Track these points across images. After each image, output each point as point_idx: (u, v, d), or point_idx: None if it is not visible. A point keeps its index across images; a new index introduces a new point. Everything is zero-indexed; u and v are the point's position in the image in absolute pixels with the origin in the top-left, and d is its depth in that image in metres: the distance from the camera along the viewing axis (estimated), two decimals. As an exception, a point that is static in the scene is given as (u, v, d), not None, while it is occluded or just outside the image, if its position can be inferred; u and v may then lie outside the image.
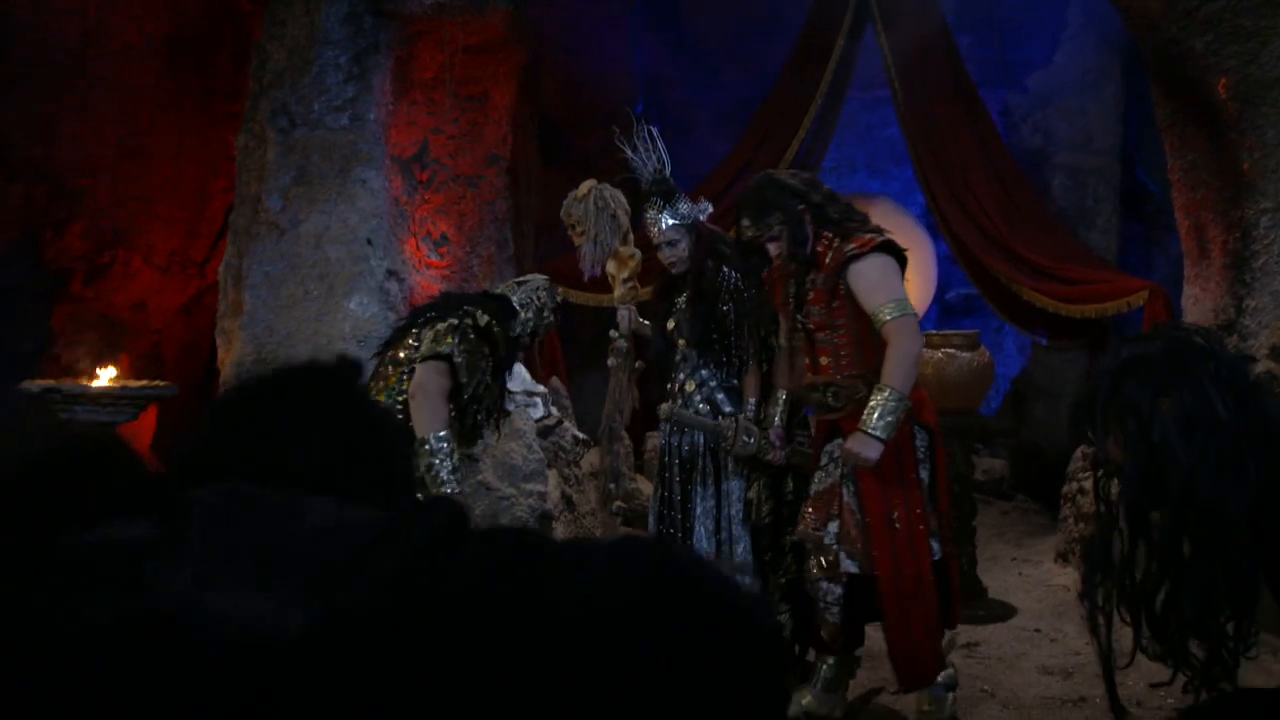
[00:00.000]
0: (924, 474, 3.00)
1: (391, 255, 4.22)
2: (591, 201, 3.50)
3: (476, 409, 2.97)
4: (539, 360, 5.44)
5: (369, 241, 4.03)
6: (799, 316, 3.14)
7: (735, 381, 3.50)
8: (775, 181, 3.16)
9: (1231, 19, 3.82)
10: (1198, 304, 4.41)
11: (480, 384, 2.92)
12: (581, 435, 4.74)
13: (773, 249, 3.14)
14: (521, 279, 3.36)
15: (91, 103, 6.53)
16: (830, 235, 3.06)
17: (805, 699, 3.10)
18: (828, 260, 3.03)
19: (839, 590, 2.97)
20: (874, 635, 3.17)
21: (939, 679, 2.98)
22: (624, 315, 3.65)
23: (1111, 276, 5.35)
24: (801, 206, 3.06)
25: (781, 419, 3.31)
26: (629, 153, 3.46)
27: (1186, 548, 1.50)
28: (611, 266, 3.61)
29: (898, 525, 2.91)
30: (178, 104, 6.86)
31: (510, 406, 4.30)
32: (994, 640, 3.72)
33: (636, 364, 3.68)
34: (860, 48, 6.52)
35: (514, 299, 3.15)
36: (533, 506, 4.08)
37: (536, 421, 4.42)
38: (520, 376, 4.50)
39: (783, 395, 3.34)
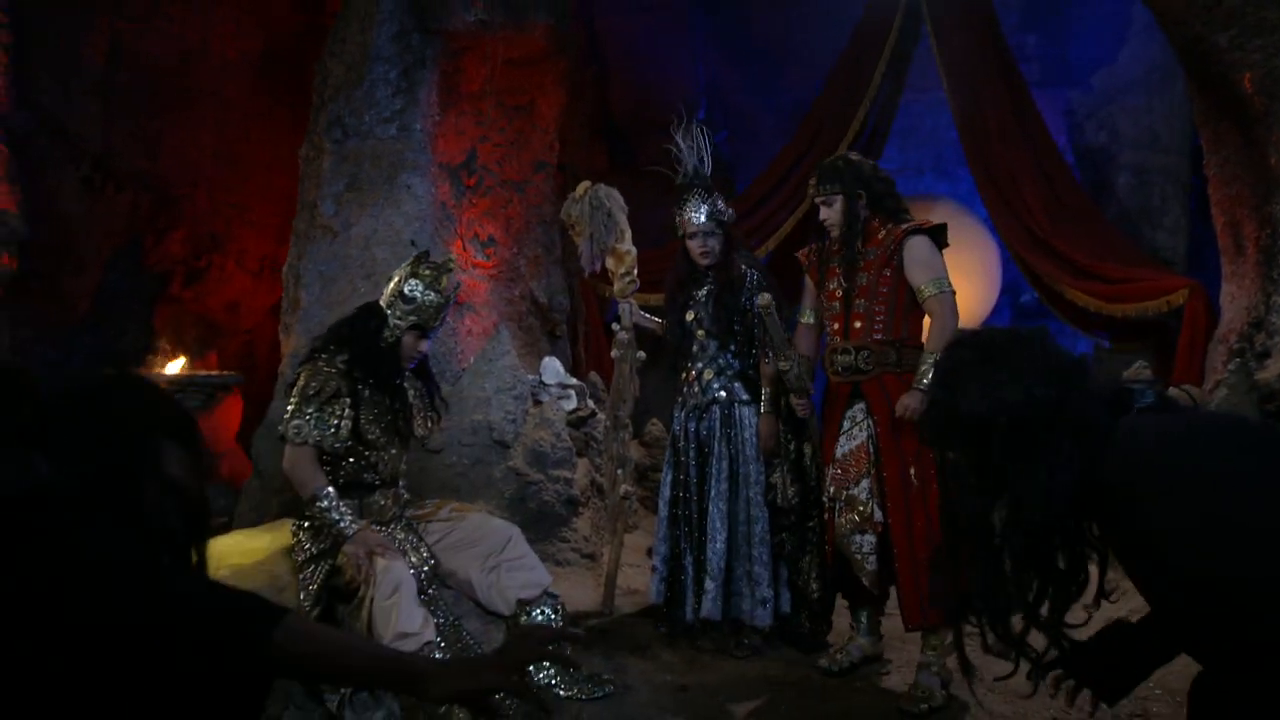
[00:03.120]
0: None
1: (434, 255, 4.51)
2: (587, 202, 3.73)
3: (372, 428, 3.02)
4: (584, 355, 5.69)
5: (412, 243, 4.32)
6: (844, 283, 3.44)
7: (752, 372, 3.72)
8: (851, 161, 3.55)
9: (1254, 12, 3.78)
10: (1234, 302, 4.34)
11: (355, 418, 2.96)
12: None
13: (822, 212, 3.48)
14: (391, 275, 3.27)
15: (191, 117, 7.06)
16: (883, 220, 3.44)
17: (856, 642, 3.49)
18: (881, 235, 3.41)
19: (874, 539, 3.29)
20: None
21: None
22: (625, 309, 3.86)
23: (1152, 275, 5.27)
24: (861, 189, 3.43)
25: (810, 376, 3.59)
26: (680, 146, 3.71)
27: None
28: (610, 263, 3.83)
29: (914, 481, 3.24)
30: (270, 116, 7.36)
31: (544, 398, 4.55)
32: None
33: (638, 354, 3.89)
34: (919, 50, 6.56)
35: (382, 302, 3.13)
36: (559, 492, 4.31)
37: (570, 413, 4.65)
38: (554, 370, 4.75)
39: (801, 358, 3.59)
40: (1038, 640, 1.70)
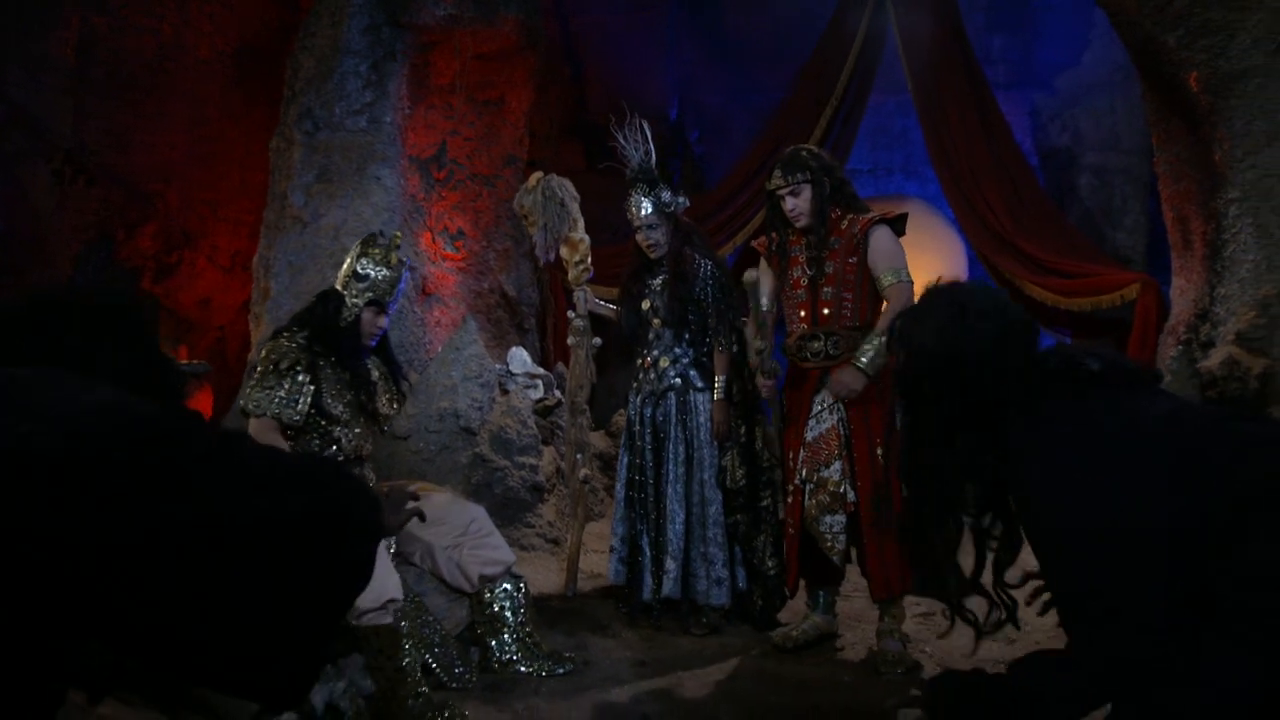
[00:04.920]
0: (899, 422, 3.34)
1: (403, 246, 4.56)
2: (540, 192, 3.80)
3: (335, 403, 3.08)
4: (552, 348, 5.76)
5: (380, 233, 4.38)
6: (808, 271, 3.53)
7: (705, 360, 3.80)
8: (813, 151, 3.68)
9: (1201, 13, 3.90)
10: (1183, 295, 4.47)
11: (317, 392, 3.01)
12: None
13: (789, 203, 3.54)
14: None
15: (165, 113, 7.06)
16: (842, 210, 3.54)
17: (812, 620, 3.58)
18: (844, 225, 3.51)
19: (844, 519, 3.40)
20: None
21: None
22: (580, 296, 3.94)
23: (1105, 270, 5.41)
24: (825, 177, 3.55)
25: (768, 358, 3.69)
26: (620, 142, 3.77)
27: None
28: (564, 251, 3.90)
29: (881, 462, 3.36)
30: (245, 114, 7.37)
31: (511, 387, 4.61)
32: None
33: (594, 341, 3.96)
34: (886, 52, 6.68)
35: (337, 285, 3.19)
36: (525, 478, 4.37)
37: (536, 402, 4.71)
38: (521, 360, 4.81)
39: (760, 344, 3.69)
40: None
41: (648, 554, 3.77)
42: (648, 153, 3.86)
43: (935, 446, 1.78)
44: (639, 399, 3.87)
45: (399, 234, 3.39)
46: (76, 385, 1.21)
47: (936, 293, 1.87)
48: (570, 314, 4.02)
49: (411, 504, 1.67)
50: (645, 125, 3.89)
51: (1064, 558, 1.57)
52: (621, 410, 5.63)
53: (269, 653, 1.24)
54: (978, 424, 1.71)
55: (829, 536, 3.40)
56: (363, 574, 1.34)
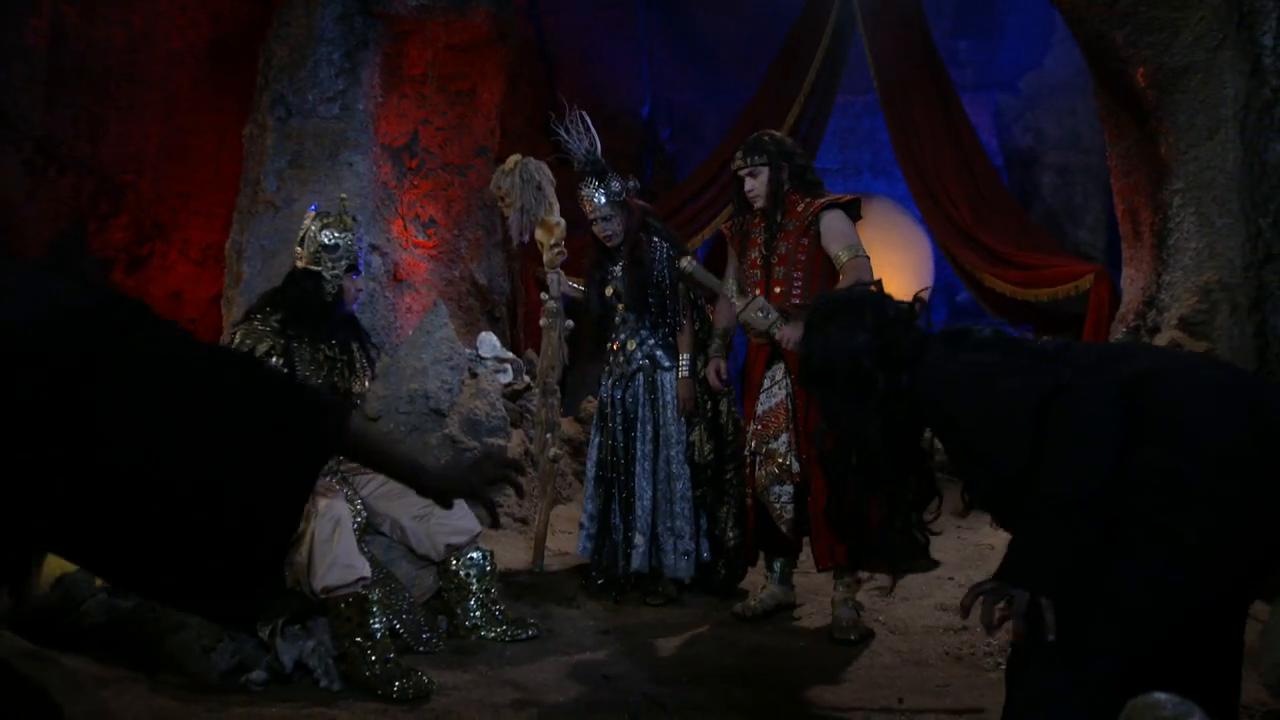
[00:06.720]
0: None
1: (374, 232, 4.65)
2: (518, 174, 3.88)
3: (308, 382, 3.06)
4: (522, 336, 5.84)
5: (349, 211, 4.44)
6: (764, 251, 3.65)
7: (671, 339, 3.90)
8: (775, 136, 3.81)
9: (1146, 11, 4.05)
10: (1133, 284, 4.63)
11: (291, 375, 3.01)
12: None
13: (748, 184, 3.65)
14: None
15: (137, 104, 7.06)
16: (801, 195, 3.65)
17: (770, 590, 3.69)
18: (800, 208, 3.62)
19: (791, 490, 3.52)
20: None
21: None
22: (553, 279, 4.02)
23: (1061, 261, 5.58)
24: (784, 162, 3.65)
25: (721, 351, 3.83)
26: (562, 136, 3.84)
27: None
28: (540, 234, 3.97)
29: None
30: (218, 106, 7.38)
31: (481, 370, 4.69)
32: (905, 585, 3.98)
33: (567, 323, 4.05)
34: (854, 54, 6.82)
35: (303, 264, 3.22)
36: (493, 459, 4.45)
37: (506, 386, 4.80)
38: (491, 344, 4.90)
39: (720, 330, 3.83)
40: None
41: (620, 532, 3.86)
42: (592, 143, 3.91)
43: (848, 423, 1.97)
44: (610, 382, 3.97)
45: (344, 195, 3.46)
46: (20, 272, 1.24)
47: (813, 316, 2.12)
48: (543, 296, 4.10)
49: (505, 470, 1.56)
50: (585, 115, 3.93)
51: (983, 449, 1.79)
52: (591, 397, 5.72)
53: (211, 561, 1.26)
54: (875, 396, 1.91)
55: (778, 506, 3.53)
56: (300, 484, 1.33)
